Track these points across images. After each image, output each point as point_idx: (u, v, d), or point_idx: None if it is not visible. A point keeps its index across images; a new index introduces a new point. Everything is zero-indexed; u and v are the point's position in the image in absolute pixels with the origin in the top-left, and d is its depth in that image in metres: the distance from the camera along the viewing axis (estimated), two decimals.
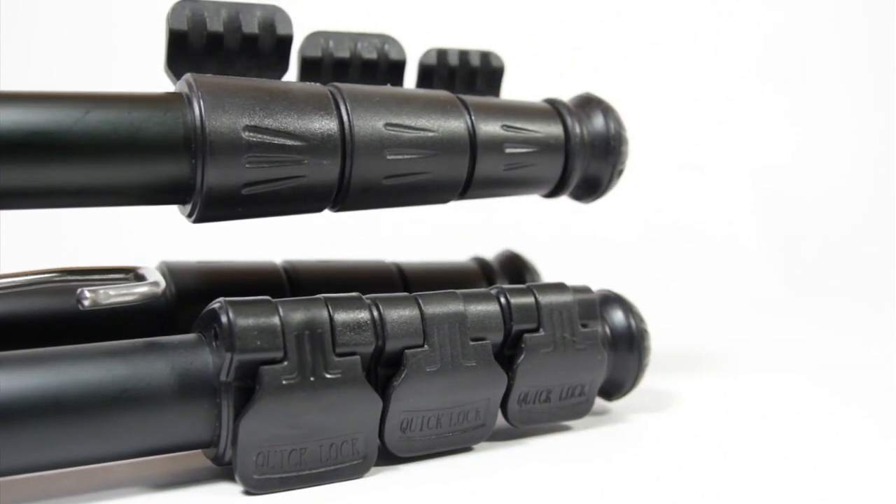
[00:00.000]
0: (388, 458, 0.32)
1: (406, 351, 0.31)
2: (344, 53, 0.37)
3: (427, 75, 0.41)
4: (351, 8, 0.77)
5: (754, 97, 0.88)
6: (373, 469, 0.31)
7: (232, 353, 0.28)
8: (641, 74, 0.84)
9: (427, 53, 0.41)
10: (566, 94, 0.41)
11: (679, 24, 0.87)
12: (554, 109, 0.39)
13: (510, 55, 0.44)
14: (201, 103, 0.30)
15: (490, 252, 0.45)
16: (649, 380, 0.40)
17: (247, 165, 0.31)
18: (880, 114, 0.90)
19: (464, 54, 0.41)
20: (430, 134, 0.35)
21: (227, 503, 0.29)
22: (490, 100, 0.38)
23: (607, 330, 0.37)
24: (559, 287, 0.36)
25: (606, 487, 0.31)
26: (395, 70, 0.38)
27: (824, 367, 0.49)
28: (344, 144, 0.33)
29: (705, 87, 0.87)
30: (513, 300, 0.34)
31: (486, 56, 0.42)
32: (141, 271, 0.32)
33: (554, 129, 0.38)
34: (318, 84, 0.33)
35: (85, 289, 0.29)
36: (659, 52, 0.86)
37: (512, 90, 0.43)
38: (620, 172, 0.41)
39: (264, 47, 0.34)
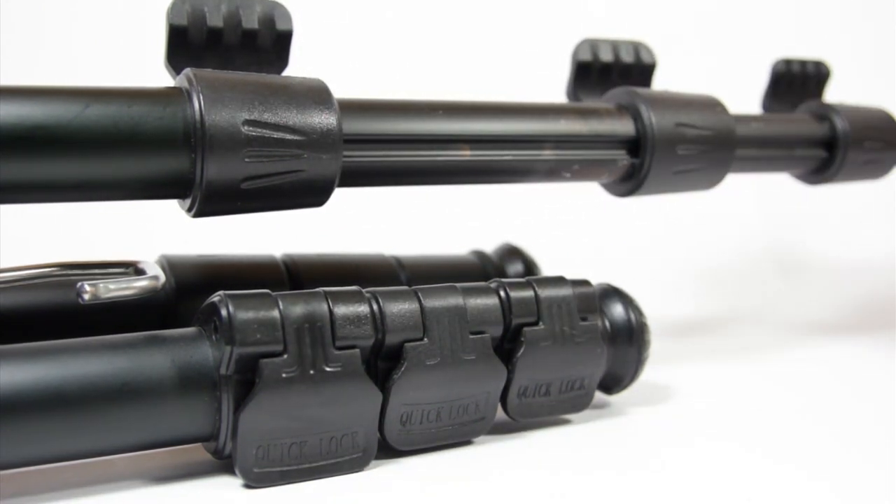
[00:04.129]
0: (387, 451, 0.32)
1: (406, 344, 0.31)
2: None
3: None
4: (350, 4, 0.77)
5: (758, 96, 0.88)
6: (373, 462, 0.31)
7: (232, 346, 0.28)
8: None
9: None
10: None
11: (684, 23, 0.87)
12: None
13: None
14: (201, 98, 0.30)
15: (489, 245, 0.45)
16: (649, 373, 0.40)
17: (246, 160, 0.31)
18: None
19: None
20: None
21: (228, 497, 0.29)
22: None
23: (607, 323, 0.37)
24: (558, 281, 0.36)
25: (606, 481, 0.31)
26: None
27: (825, 360, 0.49)
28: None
29: (708, 86, 0.86)
30: (512, 294, 0.34)
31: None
32: (141, 265, 0.32)
33: None
34: (317, 78, 0.33)
35: (85, 283, 0.29)
36: (663, 51, 0.86)
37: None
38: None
39: (264, 42, 0.33)
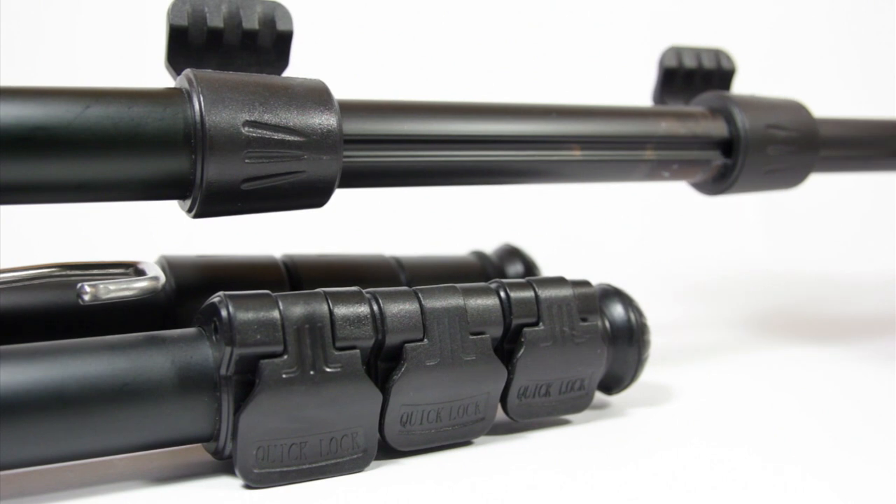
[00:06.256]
0: (388, 451, 0.32)
1: (406, 345, 0.31)
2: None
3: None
4: (347, 7, 0.77)
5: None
6: (373, 463, 0.31)
7: (232, 346, 0.28)
8: (645, 75, 0.84)
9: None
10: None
11: (679, 25, 0.87)
12: None
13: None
14: (201, 99, 0.30)
15: (489, 246, 0.45)
16: (649, 374, 0.40)
17: (246, 161, 0.31)
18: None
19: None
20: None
21: (228, 497, 0.29)
22: None
23: (607, 324, 0.37)
24: (558, 281, 0.36)
25: (606, 481, 0.31)
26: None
27: (825, 360, 0.49)
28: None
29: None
30: (512, 294, 0.34)
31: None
32: (141, 266, 0.32)
33: None
34: (318, 79, 0.33)
35: (85, 283, 0.29)
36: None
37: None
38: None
39: (264, 43, 0.34)
